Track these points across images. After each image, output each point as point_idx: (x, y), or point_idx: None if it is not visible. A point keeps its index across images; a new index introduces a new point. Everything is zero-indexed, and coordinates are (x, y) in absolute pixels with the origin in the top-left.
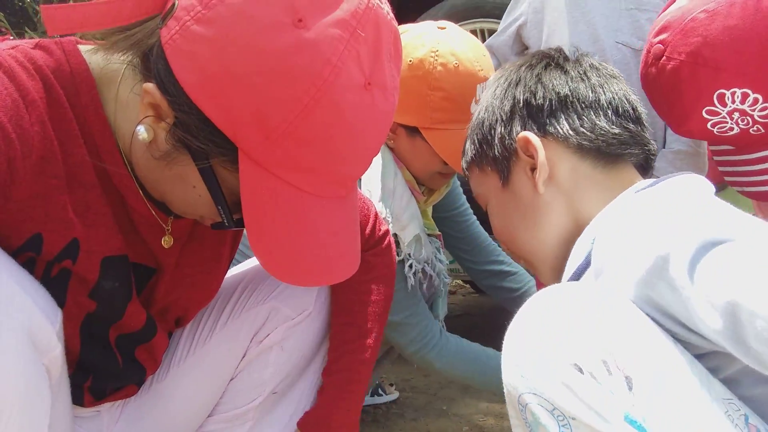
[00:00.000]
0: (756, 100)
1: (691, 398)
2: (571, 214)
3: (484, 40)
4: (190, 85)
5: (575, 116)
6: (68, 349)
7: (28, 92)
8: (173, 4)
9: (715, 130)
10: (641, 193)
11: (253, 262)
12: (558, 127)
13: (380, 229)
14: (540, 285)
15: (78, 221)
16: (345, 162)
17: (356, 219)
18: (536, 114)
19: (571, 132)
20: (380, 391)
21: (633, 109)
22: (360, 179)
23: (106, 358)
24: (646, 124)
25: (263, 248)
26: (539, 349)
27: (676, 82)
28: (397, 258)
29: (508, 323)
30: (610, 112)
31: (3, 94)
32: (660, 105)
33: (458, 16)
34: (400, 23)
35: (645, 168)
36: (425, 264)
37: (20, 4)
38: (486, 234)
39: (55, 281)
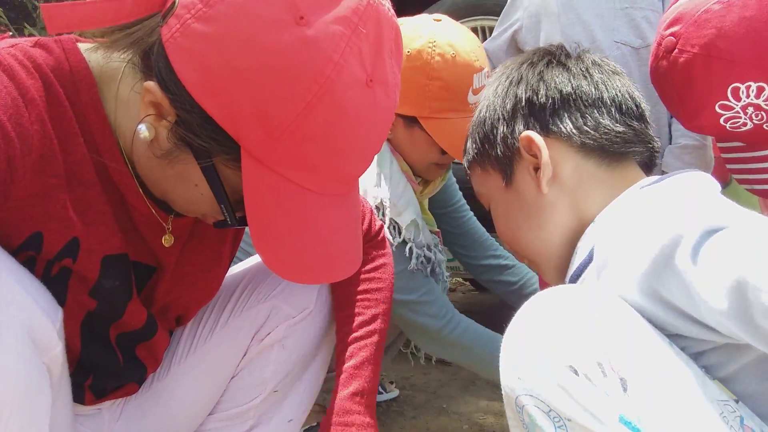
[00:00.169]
0: None
1: (686, 400)
2: (575, 213)
3: (484, 37)
4: (191, 84)
5: (578, 114)
6: (69, 347)
7: (28, 91)
8: (174, 2)
9: (727, 125)
10: (645, 190)
11: (253, 260)
12: (561, 125)
13: (376, 224)
14: (543, 284)
15: (78, 220)
16: (347, 159)
17: (358, 216)
18: (539, 112)
19: (574, 130)
20: (380, 389)
21: (636, 106)
22: None
23: (107, 357)
24: (649, 121)
25: (266, 246)
26: (535, 351)
27: (689, 76)
28: (398, 241)
29: (508, 321)
30: (613, 109)
31: (2, 93)
32: (670, 99)
33: (459, 14)
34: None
35: (649, 166)
36: (425, 248)
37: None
38: (483, 229)
39: (55, 280)
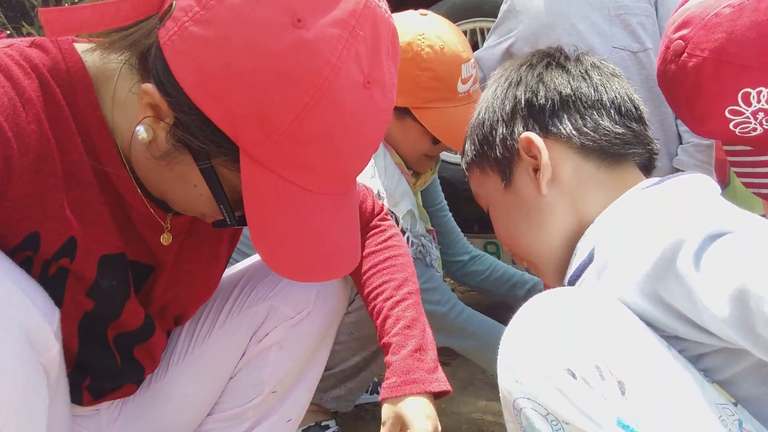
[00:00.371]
0: None
1: (685, 403)
2: (574, 215)
3: (483, 38)
4: (189, 86)
5: (578, 116)
6: (66, 348)
7: (25, 91)
8: (170, 5)
9: (737, 130)
10: (646, 191)
11: (251, 261)
12: (561, 127)
13: (377, 202)
14: (547, 286)
15: (75, 220)
16: (345, 160)
17: (356, 214)
18: (538, 114)
19: (574, 132)
20: (379, 389)
21: (635, 108)
22: None
23: (105, 357)
24: (648, 123)
25: (266, 246)
26: (533, 354)
27: (698, 80)
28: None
29: (507, 321)
30: (613, 111)
31: None
32: (679, 104)
33: (458, 15)
34: None
35: (648, 167)
36: (421, 237)
37: None
38: (458, 229)
39: (52, 280)
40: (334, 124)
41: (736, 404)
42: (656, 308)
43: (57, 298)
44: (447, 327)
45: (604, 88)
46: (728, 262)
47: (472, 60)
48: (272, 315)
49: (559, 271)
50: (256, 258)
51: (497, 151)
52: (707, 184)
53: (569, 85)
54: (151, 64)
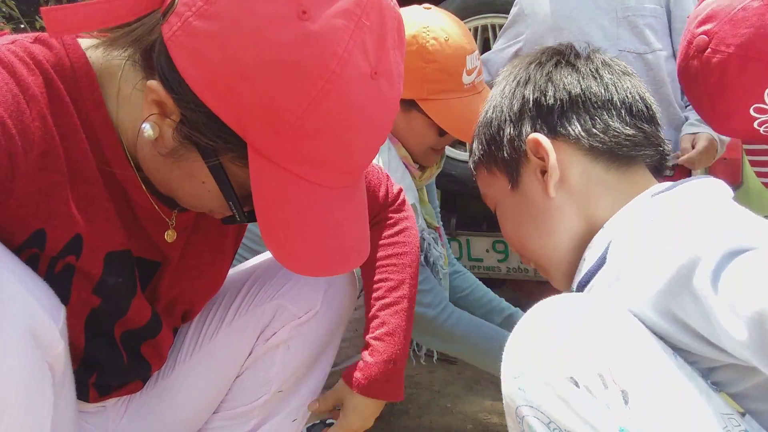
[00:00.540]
0: None
1: (689, 413)
2: (583, 218)
3: (495, 35)
4: (195, 82)
5: (587, 117)
6: (73, 345)
7: (29, 87)
8: (173, 0)
9: (761, 129)
10: (659, 198)
11: (259, 259)
12: (569, 128)
13: (393, 189)
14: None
15: (81, 216)
16: (354, 152)
17: (364, 207)
18: (547, 114)
19: (583, 133)
20: None
21: (647, 107)
22: None
23: (111, 355)
24: (660, 124)
25: (275, 241)
26: (536, 362)
27: (722, 77)
28: None
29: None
30: (623, 111)
31: (3, 90)
32: (700, 101)
33: (469, 11)
34: None
35: (659, 169)
36: (423, 232)
37: None
38: (445, 237)
39: (58, 277)
40: (342, 116)
41: (743, 414)
42: (670, 325)
43: (63, 295)
44: (435, 331)
45: (615, 87)
46: (747, 284)
47: (476, 52)
48: (280, 314)
49: (567, 275)
50: (264, 256)
51: (505, 152)
52: (720, 189)
53: (579, 85)
54: (155, 61)
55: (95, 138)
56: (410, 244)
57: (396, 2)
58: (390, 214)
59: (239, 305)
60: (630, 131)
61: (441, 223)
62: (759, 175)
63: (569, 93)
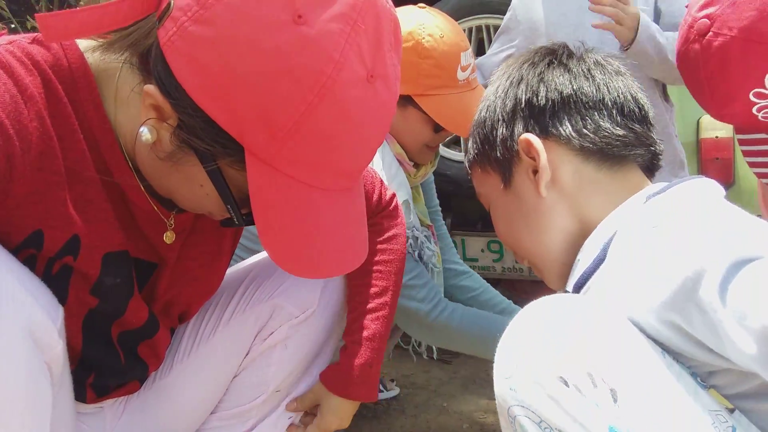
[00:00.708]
0: None
1: (677, 410)
2: (575, 217)
3: (489, 36)
4: (192, 88)
5: (578, 117)
6: (70, 345)
7: (27, 88)
8: (168, 4)
9: (760, 115)
10: (656, 201)
11: (256, 259)
12: (560, 128)
13: (386, 194)
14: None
15: (78, 217)
16: (351, 155)
17: (363, 209)
18: (538, 115)
19: (573, 134)
20: (381, 387)
21: (639, 108)
22: None
23: (109, 355)
24: (652, 123)
25: (273, 244)
26: (526, 362)
27: (723, 61)
28: None
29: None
30: (614, 111)
31: (1, 90)
32: (700, 85)
33: (464, 12)
34: None
35: (651, 169)
36: (414, 229)
37: None
38: (449, 236)
39: (56, 278)
40: (338, 121)
41: (732, 411)
42: (673, 333)
43: (61, 295)
44: (429, 326)
45: (607, 87)
46: (756, 296)
47: (470, 49)
48: (277, 314)
49: (561, 274)
50: (260, 256)
51: (498, 152)
52: (713, 189)
53: (570, 85)
54: (151, 65)
55: (93, 139)
56: (398, 251)
57: (392, 4)
58: (381, 220)
59: (236, 305)
60: (620, 132)
61: (443, 222)
62: (753, 165)
63: (560, 93)
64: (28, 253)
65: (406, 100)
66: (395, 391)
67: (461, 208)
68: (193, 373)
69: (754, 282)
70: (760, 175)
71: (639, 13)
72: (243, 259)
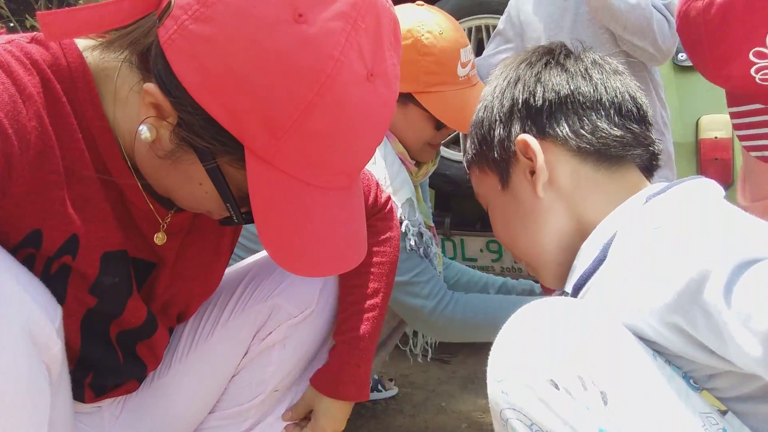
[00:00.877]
0: None
1: (667, 412)
2: (573, 218)
3: (488, 36)
4: (192, 86)
5: (575, 117)
6: (69, 345)
7: (25, 87)
8: (169, 3)
9: (758, 76)
10: (657, 202)
11: (255, 258)
12: (557, 129)
13: (382, 196)
14: (546, 290)
15: (77, 216)
16: (350, 154)
17: (362, 207)
18: (535, 115)
19: (571, 134)
20: (379, 387)
21: (637, 108)
22: None
23: (107, 355)
24: (651, 123)
25: (273, 242)
26: (518, 365)
27: (725, 18)
28: None
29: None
30: (612, 111)
31: None
32: (698, 47)
33: (463, 12)
34: None
35: (649, 169)
36: (420, 226)
37: None
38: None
39: (55, 277)
40: (338, 119)
41: (725, 413)
42: (674, 335)
43: (59, 295)
44: (433, 322)
45: (605, 87)
46: (761, 298)
47: (469, 46)
48: (275, 313)
49: (558, 275)
50: (259, 255)
51: (495, 152)
52: (713, 190)
53: (567, 85)
54: (151, 64)
55: (92, 138)
56: (391, 254)
57: (391, 3)
58: (376, 222)
59: (235, 305)
60: (618, 132)
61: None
62: (743, 139)
63: (558, 93)
64: (26, 253)
65: (406, 98)
66: (393, 391)
67: (460, 208)
68: (191, 372)
69: (759, 283)
70: (749, 149)
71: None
72: (242, 259)
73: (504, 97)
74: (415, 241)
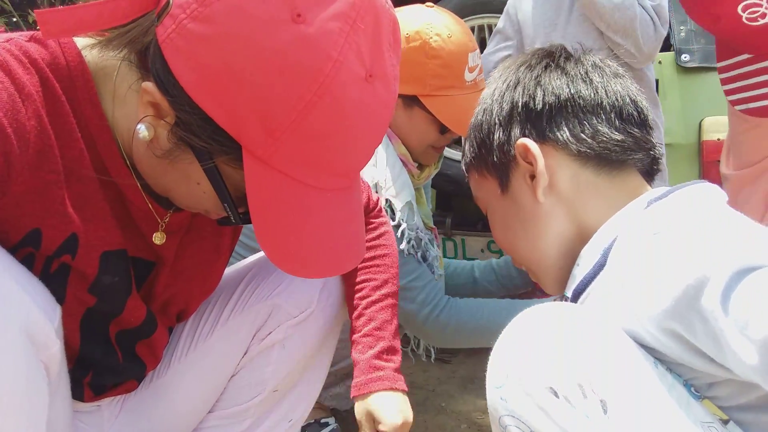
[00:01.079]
0: None
1: (666, 421)
2: (573, 223)
3: (491, 35)
4: (190, 85)
5: (576, 121)
6: (68, 344)
7: (24, 86)
8: (168, 1)
9: (745, 14)
10: (658, 207)
11: (255, 258)
12: (558, 133)
13: (373, 197)
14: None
15: (76, 216)
16: (348, 155)
17: (360, 208)
18: (535, 119)
19: (571, 138)
20: None
21: (638, 111)
22: None
23: (106, 354)
24: (651, 126)
25: (270, 243)
26: (517, 372)
27: None
28: (392, 224)
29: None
30: (613, 115)
31: None
32: None
33: (466, 11)
34: None
35: (650, 173)
36: (418, 230)
37: None
38: None
39: (54, 277)
40: (336, 120)
41: (726, 422)
42: (673, 342)
43: (59, 294)
44: (427, 328)
45: (605, 91)
46: (758, 306)
47: (478, 50)
48: (275, 314)
49: (558, 280)
50: (259, 255)
51: (494, 156)
52: (715, 195)
53: (568, 89)
54: (150, 62)
55: (91, 137)
56: (390, 246)
57: (391, 4)
58: (371, 219)
59: (234, 304)
60: (619, 136)
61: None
62: (729, 93)
63: (558, 97)
64: (26, 252)
65: (411, 100)
66: None
67: (461, 208)
68: (190, 372)
69: (757, 291)
70: (734, 102)
71: None
72: (243, 257)
73: (503, 101)
74: (414, 245)
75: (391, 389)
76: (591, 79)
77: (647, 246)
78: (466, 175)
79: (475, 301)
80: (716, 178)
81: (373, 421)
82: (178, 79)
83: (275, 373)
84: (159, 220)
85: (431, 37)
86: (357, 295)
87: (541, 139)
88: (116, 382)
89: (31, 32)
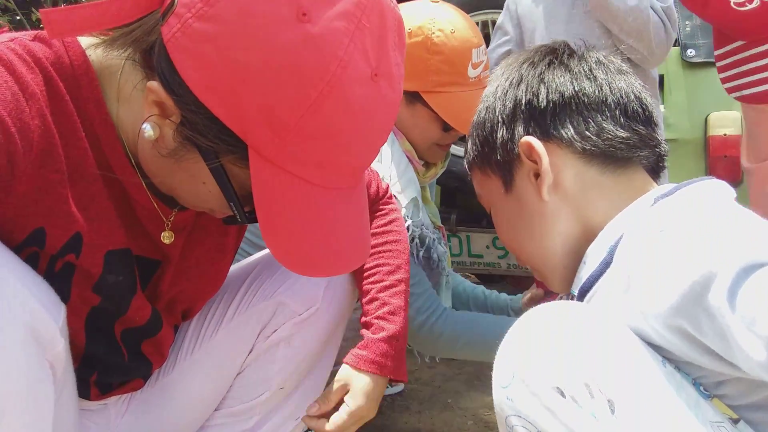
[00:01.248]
0: None
1: (675, 421)
2: (578, 221)
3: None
4: (195, 84)
5: (580, 119)
6: (74, 343)
7: (28, 85)
8: (172, 1)
9: (732, 1)
10: (664, 204)
11: (260, 255)
12: (562, 131)
13: (382, 184)
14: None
15: (80, 215)
16: (354, 154)
17: (365, 207)
18: (539, 117)
19: (576, 136)
20: None
21: (643, 108)
22: None
23: (112, 353)
24: (657, 123)
25: (276, 242)
26: (524, 372)
27: None
28: None
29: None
30: (618, 112)
31: (2, 88)
32: None
33: (469, 7)
34: None
35: (656, 170)
36: (423, 227)
37: None
38: None
39: (59, 276)
40: (342, 119)
41: (737, 421)
42: (679, 339)
43: (63, 293)
44: (420, 337)
45: (609, 87)
46: (766, 302)
47: (483, 46)
48: (280, 311)
49: (564, 279)
50: (264, 253)
51: (498, 154)
52: (723, 191)
53: (572, 86)
54: (155, 62)
55: (95, 136)
56: (401, 232)
57: (396, 3)
58: (381, 206)
59: (240, 302)
60: (624, 134)
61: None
62: (725, 81)
63: (562, 94)
64: (30, 251)
65: (414, 97)
66: (399, 387)
67: (466, 204)
68: (196, 370)
69: (764, 287)
70: (730, 90)
71: None
72: (248, 254)
73: (506, 98)
74: (417, 243)
75: (387, 374)
76: (595, 76)
77: (654, 243)
78: (469, 173)
79: (472, 314)
80: (723, 174)
81: (339, 402)
82: (184, 78)
83: (281, 370)
84: (164, 218)
85: (434, 33)
86: (371, 279)
87: (545, 137)
88: (122, 381)
89: (35, 31)
